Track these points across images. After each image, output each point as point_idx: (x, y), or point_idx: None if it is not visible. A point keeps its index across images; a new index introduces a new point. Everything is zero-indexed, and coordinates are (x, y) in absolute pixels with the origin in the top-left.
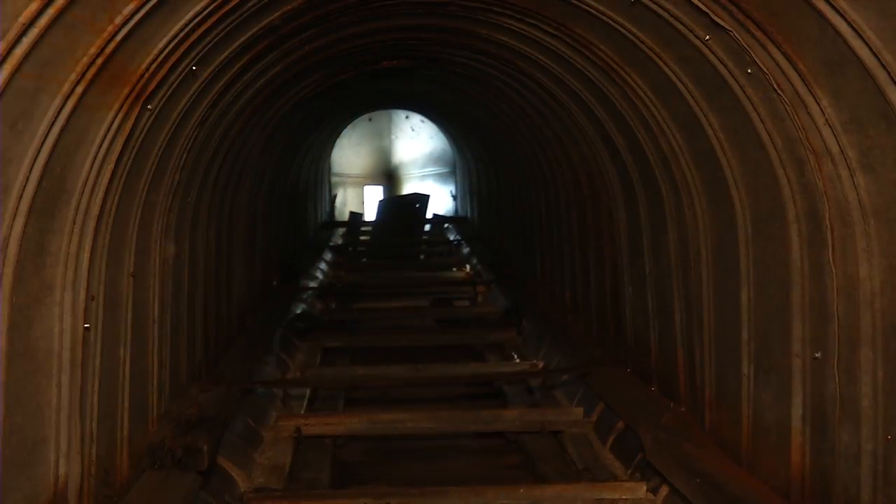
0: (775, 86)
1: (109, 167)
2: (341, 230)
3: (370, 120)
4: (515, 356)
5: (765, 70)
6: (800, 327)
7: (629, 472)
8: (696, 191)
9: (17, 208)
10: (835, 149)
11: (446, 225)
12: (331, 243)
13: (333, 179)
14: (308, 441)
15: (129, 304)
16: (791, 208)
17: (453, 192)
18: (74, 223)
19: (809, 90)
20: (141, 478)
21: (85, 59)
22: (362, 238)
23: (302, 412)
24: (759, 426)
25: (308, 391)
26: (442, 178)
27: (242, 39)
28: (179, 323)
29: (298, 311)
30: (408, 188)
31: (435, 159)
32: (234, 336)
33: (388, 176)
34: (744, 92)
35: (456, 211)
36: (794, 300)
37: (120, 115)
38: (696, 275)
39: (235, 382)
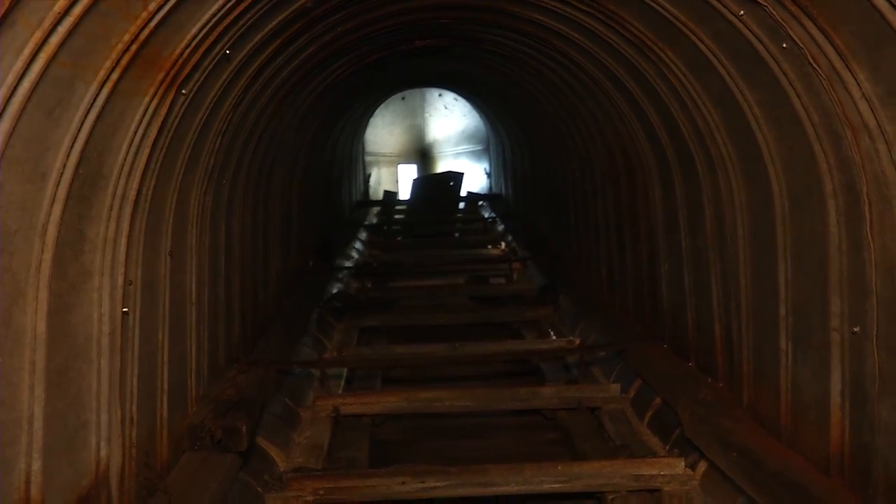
0: (811, 60)
1: (145, 152)
2: (376, 209)
3: (403, 99)
4: (552, 333)
5: (800, 44)
6: (838, 302)
7: (667, 447)
8: (733, 167)
9: (55, 195)
10: (872, 123)
11: (480, 202)
12: (365, 222)
13: (367, 159)
14: (346, 420)
15: (166, 288)
16: (828, 183)
17: (487, 169)
18: (112, 209)
19: (846, 64)
20: (181, 459)
21: (119, 46)
22: (397, 217)
23: (339, 392)
24: (797, 402)
25: (345, 371)
26: (476, 155)
27: (274, 23)
28: (217, 305)
29: (334, 291)
30: (441, 166)
31: (468, 137)
32: (272, 317)
33: (422, 154)
34: (779, 67)
35: (490, 188)
36: (832, 275)
37: (155, 101)
38: (733, 251)
39: (273, 363)
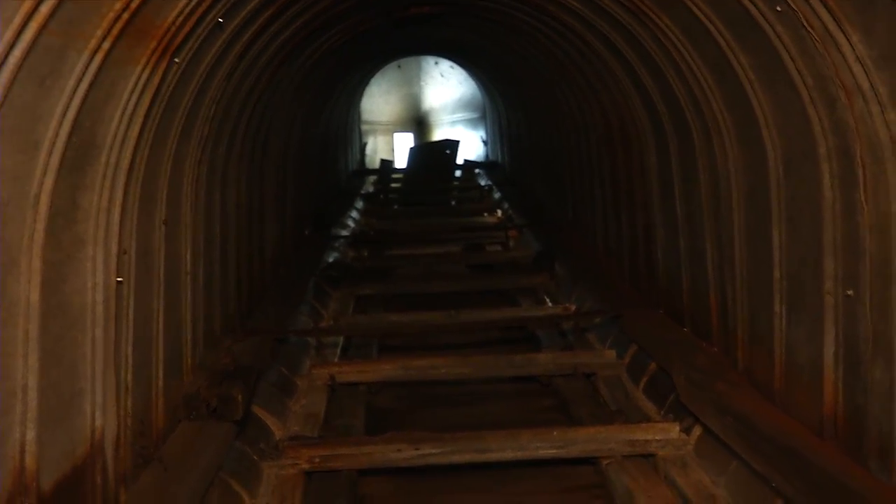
0: (805, 23)
1: (139, 121)
2: (372, 178)
3: (399, 67)
4: (548, 300)
5: (794, 7)
6: (832, 265)
7: (662, 413)
8: (727, 132)
9: (47, 164)
10: (865, 85)
11: (477, 170)
12: (362, 191)
13: (364, 127)
14: (342, 388)
15: (161, 257)
16: (822, 146)
17: (484, 137)
18: (105, 178)
19: (839, 26)
20: (177, 428)
21: (111, 15)
22: (393, 185)
23: (336, 360)
24: (791, 365)
25: (342, 339)
26: (472, 123)
27: None
28: (212, 274)
29: (331, 260)
30: (438, 134)
31: (465, 105)
32: (268, 286)
33: (419, 122)
34: (773, 30)
35: (486, 156)
36: (826, 238)
37: (147, 70)
38: (728, 216)
39: (269, 332)
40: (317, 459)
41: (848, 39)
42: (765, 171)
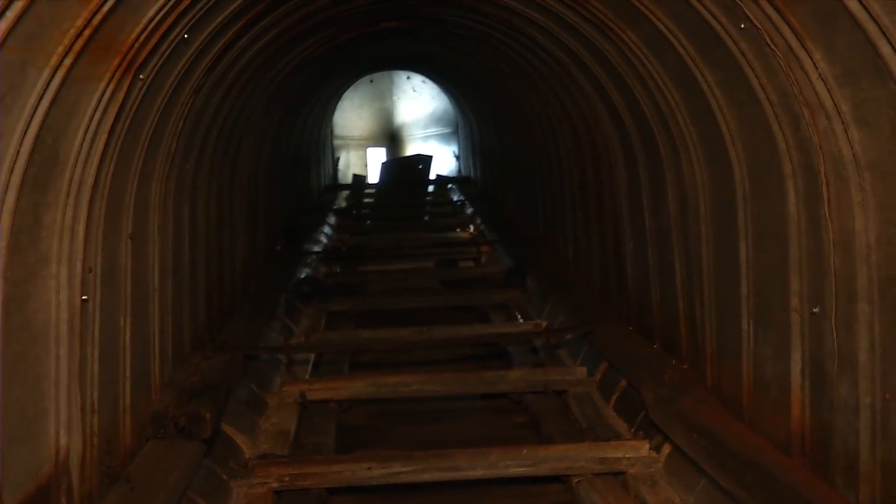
0: (768, 40)
1: (103, 137)
2: (345, 193)
3: (371, 81)
4: (519, 316)
5: (757, 25)
6: (798, 282)
7: (632, 430)
8: (694, 147)
9: (8, 182)
10: (829, 103)
11: (450, 185)
12: (335, 206)
13: (336, 142)
14: (313, 406)
15: (127, 274)
16: (787, 163)
17: (456, 152)
18: (69, 195)
19: (802, 44)
20: (144, 447)
21: (72, 31)
22: (366, 200)
23: (307, 377)
24: (759, 381)
25: (313, 356)
26: (445, 138)
27: (235, 4)
28: (181, 290)
29: (303, 276)
30: (411, 149)
31: (437, 120)
32: (238, 302)
33: (391, 137)
34: (737, 47)
35: (459, 171)
36: (792, 255)
37: (111, 86)
38: (696, 231)
39: (239, 349)
40: (286, 478)
41: (810, 57)
42: (731, 186)
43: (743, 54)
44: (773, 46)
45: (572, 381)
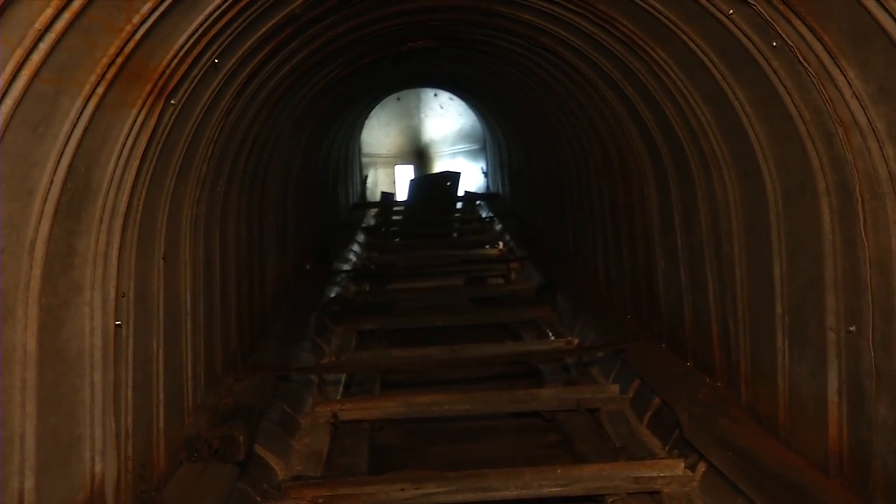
0: (801, 58)
1: (135, 163)
2: (373, 211)
3: (398, 99)
4: (550, 333)
5: (790, 43)
6: (833, 300)
7: (666, 448)
8: (726, 164)
9: (42, 211)
10: (863, 121)
11: (478, 202)
12: (363, 224)
13: (364, 160)
14: (345, 426)
15: (160, 298)
16: (821, 181)
17: (484, 168)
18: (102, 222)
19: (835, 62)
20: (178, 471)
21: (104, 60)
22: (394, 218)
23: (338, 397)
24: (795, 400)
25: (344, 376)
26: (472, 154)
27: (264, 29)
28: (213, 313)
29: (332, 295)
30: (438, 166)
31: (465, 136)
32: (269, 322)
33: (419, 155)
34: (770, 65)
35: (487, 187)
36: (827, 273)
37: (143, 112)
38: (729, 248)
39: (271, 370)
40: (320, 500)
41: (844, 74)
42: (764, 203)
43: (775, 72)
44: (805, 64)
45: (605, 399)
